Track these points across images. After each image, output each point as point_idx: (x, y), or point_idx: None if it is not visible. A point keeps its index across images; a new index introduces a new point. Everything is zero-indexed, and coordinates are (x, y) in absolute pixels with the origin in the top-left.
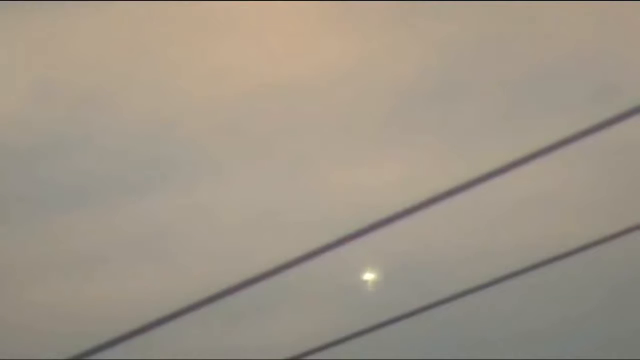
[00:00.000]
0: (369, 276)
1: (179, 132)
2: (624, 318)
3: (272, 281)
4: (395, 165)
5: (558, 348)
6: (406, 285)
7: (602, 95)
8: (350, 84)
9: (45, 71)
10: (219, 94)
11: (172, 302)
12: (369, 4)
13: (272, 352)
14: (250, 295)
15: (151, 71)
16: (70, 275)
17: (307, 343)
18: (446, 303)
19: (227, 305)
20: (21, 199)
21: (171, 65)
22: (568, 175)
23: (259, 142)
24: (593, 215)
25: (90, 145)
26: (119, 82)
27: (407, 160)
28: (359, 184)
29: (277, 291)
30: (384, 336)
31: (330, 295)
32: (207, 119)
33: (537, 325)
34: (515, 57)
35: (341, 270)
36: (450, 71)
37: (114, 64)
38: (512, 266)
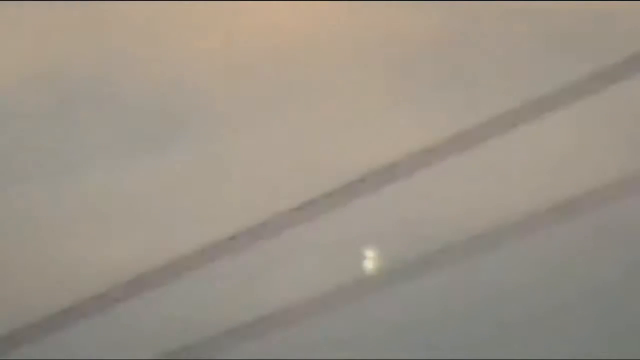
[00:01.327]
0: (369, 254)
1: (180, 93)
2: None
3: (274, 239)
4: (401, 120)
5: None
6: (411, 241)
7: (612, 48)
8: (353, 37)
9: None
10: (226, 52)
11: (160, 262)
12: None
13: (266, 310)
14: (246, 254)
15: (154, 30)
16: (65, 233)
17: (305, 304)
18: (454, 257)
19: (222, 264)
20: None
21: (176, 23)
22: (578, 130)
23: (264, 101)
24: (603, 173)
25: (80, 110)
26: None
27: (412, 114)
28: (363, 140)
29: (277, 249)
30: (386, 294)
31: (332, 252)
32: (213, 79)
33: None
34: (521, 7)
35: (345, 227)
36: (454, 22)
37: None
38: (518, 220)
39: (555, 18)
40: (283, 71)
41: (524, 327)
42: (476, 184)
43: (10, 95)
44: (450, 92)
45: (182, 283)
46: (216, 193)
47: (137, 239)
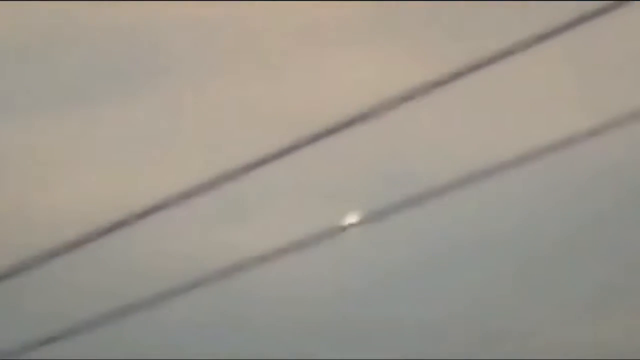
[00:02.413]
0: (351, 218)
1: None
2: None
3: (251, 177)
4: (379, 54)
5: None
6: (389, 179)
7: None
8: None
9: None
10: None
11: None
12: None
13: (238, 256)
14: (232, 192)
15: None
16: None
17: (278, 250)
18: (429, 197)
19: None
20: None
21: None
22: (560, 64)
23: (236, 42)
24: (586, 108)
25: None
26: None
27: (395, 53)
28: (341, 75)
29: (250, 196)
30: (363, 239)
31: (310, 189)
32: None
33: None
34: None
35: (322, 163)
36: None
37: None
38: (500, 157)
39: None
40: (252, 15)
41: (510, 268)
42: (466, 122)
43: None
44: (435, 30)
45: (149, 230)
46: (183, 140)
47: (107, 185)
